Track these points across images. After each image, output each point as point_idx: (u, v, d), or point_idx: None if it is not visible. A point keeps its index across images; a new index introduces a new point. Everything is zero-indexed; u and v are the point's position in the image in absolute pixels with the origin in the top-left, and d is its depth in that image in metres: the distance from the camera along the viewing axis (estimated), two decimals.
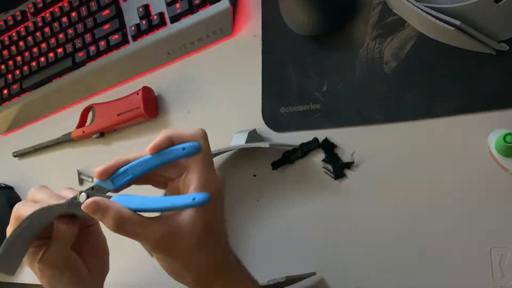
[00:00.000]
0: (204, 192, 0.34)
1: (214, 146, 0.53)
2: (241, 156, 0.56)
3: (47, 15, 0.70)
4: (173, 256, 0.37)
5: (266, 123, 0.54)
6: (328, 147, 0.49)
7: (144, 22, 0.62)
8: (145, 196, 0.36)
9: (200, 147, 0.36)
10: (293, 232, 0.51)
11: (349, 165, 0.48)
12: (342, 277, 0.48)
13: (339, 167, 0.48)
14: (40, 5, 0.72)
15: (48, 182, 0.51)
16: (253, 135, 0.52)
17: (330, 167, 0.49)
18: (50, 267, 0.41)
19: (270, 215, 0.52)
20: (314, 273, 0.49)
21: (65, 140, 0.69)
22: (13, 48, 0.74)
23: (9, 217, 0.74)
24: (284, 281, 0.46)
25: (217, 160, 0.57)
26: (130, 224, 0.35)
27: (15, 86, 0.74)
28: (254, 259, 0.52)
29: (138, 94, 0.62)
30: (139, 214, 0.36)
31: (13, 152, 0.76)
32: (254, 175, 0.54)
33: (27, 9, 0.74)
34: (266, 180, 0.53)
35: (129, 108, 0.62)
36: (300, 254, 0.50)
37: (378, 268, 0.46)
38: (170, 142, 0.36)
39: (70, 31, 0.68)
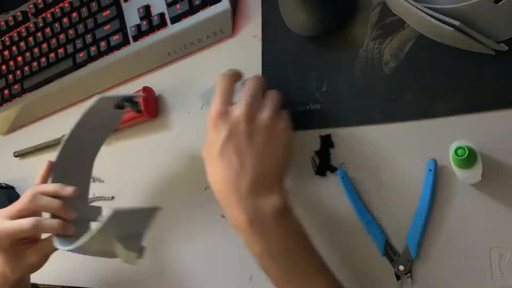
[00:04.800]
0: None
1: None
2: None
3: (48, 15, 0.70)
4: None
5: None
6: (327, 143, 0.50)
7: (144, 22, 0.62)
8: None
9: None
10: None
11: (332, 169, 0.49)
12: None
13: (323, 166, 0.50)
14: (41, 5, 0.72)
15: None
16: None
17: (317, 160, 0.50)
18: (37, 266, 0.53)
19: None
20: (159, 208, 0.51)
21: None
22: (14, 48, 0.74)
23: None
24: (116, 216, 0.45)
25: None
26: None
27: (16, 87, 0.74)
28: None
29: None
30: None
31: (14, 152, 0.76)
32: None
33: (28, 10, 0.74)
34: None
35: (129, 108, 0.62)
36: None
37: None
38: None
39: (71, 31, 0.68)
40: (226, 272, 0.54)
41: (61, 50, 0.69)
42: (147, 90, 0.62)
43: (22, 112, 0.75)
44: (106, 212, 0.44)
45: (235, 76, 0.48)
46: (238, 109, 0.44)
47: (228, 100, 0.45)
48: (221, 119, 0.43)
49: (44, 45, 0.71)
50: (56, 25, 0.70)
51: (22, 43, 0.73)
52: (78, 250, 0.47)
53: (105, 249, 0.47)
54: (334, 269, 0.44)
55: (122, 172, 0.65)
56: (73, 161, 0.56)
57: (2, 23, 0.76)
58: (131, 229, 0.48)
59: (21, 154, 0.76)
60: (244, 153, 0.42)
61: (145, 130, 0.64)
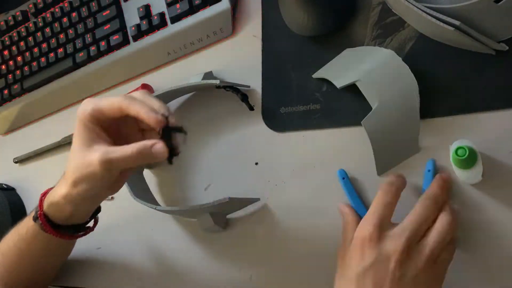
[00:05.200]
0: None
1: (215, 150, 0.53)
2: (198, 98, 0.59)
3: (48, 15, 0.70)
4: None
5: (266, 123, 0.54)
6: None
7: (144, 22, 0.62)
8: None
9: None
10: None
11: None
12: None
13: None
14: (41, 5, 0.72)
15: (51, 184, 0.52)
16: (209, 76, 0.56)
17: None
18: (109, 169, 0.41)
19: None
20: (258, 199, 0.53)
21: (66, 143, 0.69)
22: (13, 48, 0.74)
23: (11, 218, 0.75)
24: (228, 201, 0.48)
25: (173, 104, 0.61)
26: None
27: (15, 86, 0.74)
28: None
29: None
30: None
31: (14, 158, 0.76)
32: None
33: (27, 9, 0.74)
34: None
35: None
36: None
37: None
38: None
39: (70, 31, 0.68)
40: (226, 272, 0.54)
41: (60, 50, 0.69)
42: (146, 87, 0.62)
43: (22, 112, 0.75)
44: (222, 197, 0.48)
45: (401, 189, 0.41)
46: (394, 244, 0.37)
47: (387, 221, 0.39)
48: (370, 245, 0.37)
49: (44, 45, 0.71)
50: (56, 25, 0.70)
51: (22, 43, 0.73)
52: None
53: (196, 217, 0.54)
54: (335, 271, 0.44)
55: None
56: None
57: (2, 23, 0.76)
58: (226, 209, 0.53)
59: (20, 160, 0.75)
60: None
61: None
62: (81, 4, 0.68)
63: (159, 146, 0.39)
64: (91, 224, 0.53)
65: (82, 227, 0.52)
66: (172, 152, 0.40)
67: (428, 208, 0.38)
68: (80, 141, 0.42)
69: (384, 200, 0.39)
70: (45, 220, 0.48)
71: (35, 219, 0.49)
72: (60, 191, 0.45)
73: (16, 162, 0.76)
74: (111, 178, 0.43)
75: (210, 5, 0.58)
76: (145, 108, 0.40)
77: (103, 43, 0.65)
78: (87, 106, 0.42)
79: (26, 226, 0.52)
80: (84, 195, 0.44)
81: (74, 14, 0.68)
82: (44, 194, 0.50)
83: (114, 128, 0.44)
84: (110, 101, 0.41)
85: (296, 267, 0.50)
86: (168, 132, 0.40)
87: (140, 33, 0.63)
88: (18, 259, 0.54)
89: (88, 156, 0.41)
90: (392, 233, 0.38)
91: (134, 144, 0.40)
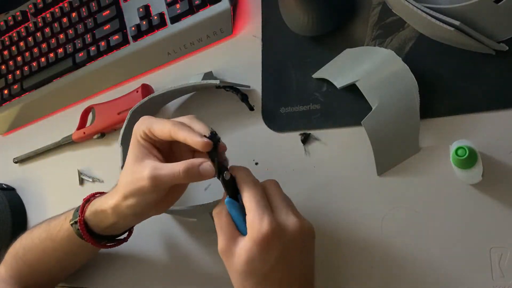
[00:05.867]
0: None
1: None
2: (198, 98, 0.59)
3: (48, 15, 0.70)
4: (228, 269, 0.41)
5: (266, 123, 0.54)
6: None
7: (144, 22, 0.62)
8: None
9: None
10: None
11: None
12: None
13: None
14: (41, 5, 0.72)
15: (50, 184, 0.52)
16: (209, 76, 0.56)
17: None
18: (157, 185, 0.41)
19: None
20: None
21: (66, 143, 0.69)
22: (13, 48, 0.74)
23: (10, 218, 0.75)
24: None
25: (173, 104, 0.61)
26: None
27: (15, 87, 0.74)
28: None
29: (137, 91, 0.62)
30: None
31: (14, 158, 0.76)
32: None
33: (27, 10, 0.74)
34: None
35: (129, 106, 0.62)
36: None
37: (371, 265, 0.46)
38: None
39: (70, 31, 0.68)
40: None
41: (60, 50, 0.69)
42: (146, 87, 0.62)
43: (21, 112, 0.75)
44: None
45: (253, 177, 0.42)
46: (294, 224, 0.39)
47: (270, 209, 0.40)
48: (276, 238, 0.38)
49: (44, 45, 0.71)
50: (56, 25, 0.70)
51: (21, 43, 0.73)
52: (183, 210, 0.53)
53: (196, 217, 0.54)
54: (333, 268, 0.44)
55: None
56: None
57: (2, 23, 0.76)
58: None
59: (20, 160, 0.75)
60: (294, 271, 0.40)
61: None
62: (81, 4, 0.68)
63: (206, 165, 0.41)
64: (124, 235, 0.54)
65: (116, 238, 0.53)
66: (221, 170, 0.41)
67: (255, 184, 0.41)
68: (133, 156, 0.43)
69: (259, 194, 0.40)
70: (84, 227, 0.49)
71: (73, 223, 0.50)
72: (110, 202, 0.46)
73: (16, 162, 0.76)
74: (159, 195, 0.43)
75: (210, 5, 0.58)
76: (191, 134, 0.40)
77: (103, 43, 0.65)
78: (142, 124, 0.43)
79: (59, 226, 0.52)
80: (132, 209, 0.44)
81: (74, 14, 0.68)
82: (87, 200, 0.51)
83: (166, 146, 0.45)
84: (162, 126, 0.42)
85: None
86: (215, 154, 0.41)
87: (140, 33, 0.63)
88: (43, 255, 0.55)
89: (138, 171, 0.42)
90: (286, 218, 0.39)
91: (182, 162, 0.41)
